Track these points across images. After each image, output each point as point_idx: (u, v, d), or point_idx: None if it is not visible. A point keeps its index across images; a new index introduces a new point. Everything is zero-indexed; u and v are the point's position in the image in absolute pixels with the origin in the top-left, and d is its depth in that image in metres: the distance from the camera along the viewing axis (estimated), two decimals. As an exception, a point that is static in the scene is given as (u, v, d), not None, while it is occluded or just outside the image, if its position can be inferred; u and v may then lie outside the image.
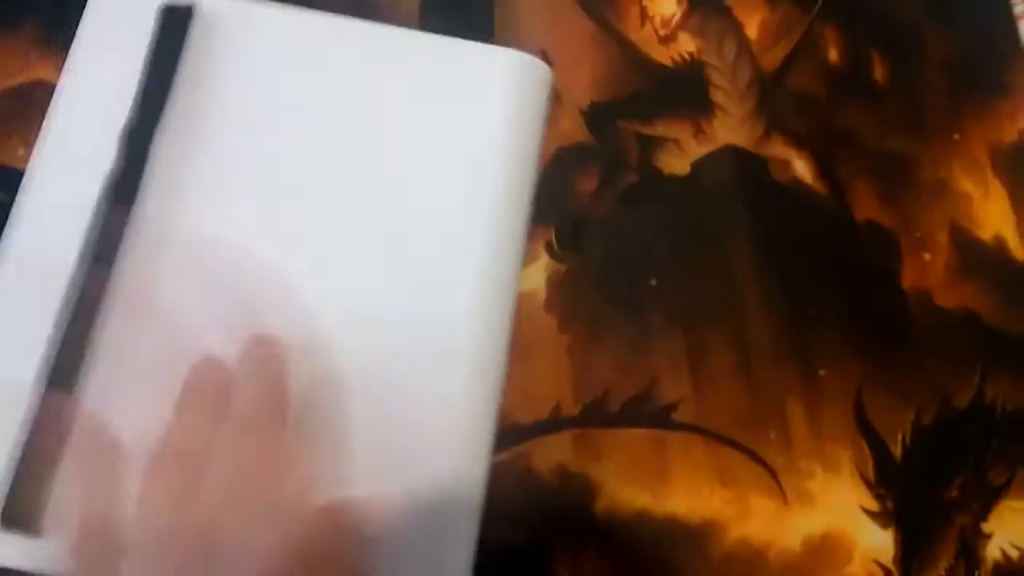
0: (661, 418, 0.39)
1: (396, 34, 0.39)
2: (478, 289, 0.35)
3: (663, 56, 0.46)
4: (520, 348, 0.35)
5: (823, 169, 0.44)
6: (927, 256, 0.43)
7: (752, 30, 0.47)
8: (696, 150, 0.44)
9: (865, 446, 0.39)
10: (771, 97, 0.45)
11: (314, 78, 0.38)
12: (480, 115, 0.38)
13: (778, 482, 0.38)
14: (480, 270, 0.35)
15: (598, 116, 0.44)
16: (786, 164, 0.44)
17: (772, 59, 0.47)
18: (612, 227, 0.39)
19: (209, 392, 0.31)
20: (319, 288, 0.35)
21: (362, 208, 0.37)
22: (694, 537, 0.37)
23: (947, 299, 0.43)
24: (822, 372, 0.40)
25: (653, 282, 0.41)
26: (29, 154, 0.37)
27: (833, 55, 0.47)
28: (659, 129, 0.44)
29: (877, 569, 0.38)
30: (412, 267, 0.36)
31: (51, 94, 0.38)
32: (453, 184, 0.37)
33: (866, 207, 0.44)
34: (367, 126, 0.38)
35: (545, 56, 0.43)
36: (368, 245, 0.36)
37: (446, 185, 0.37)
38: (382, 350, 0.34)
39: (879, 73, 0.47)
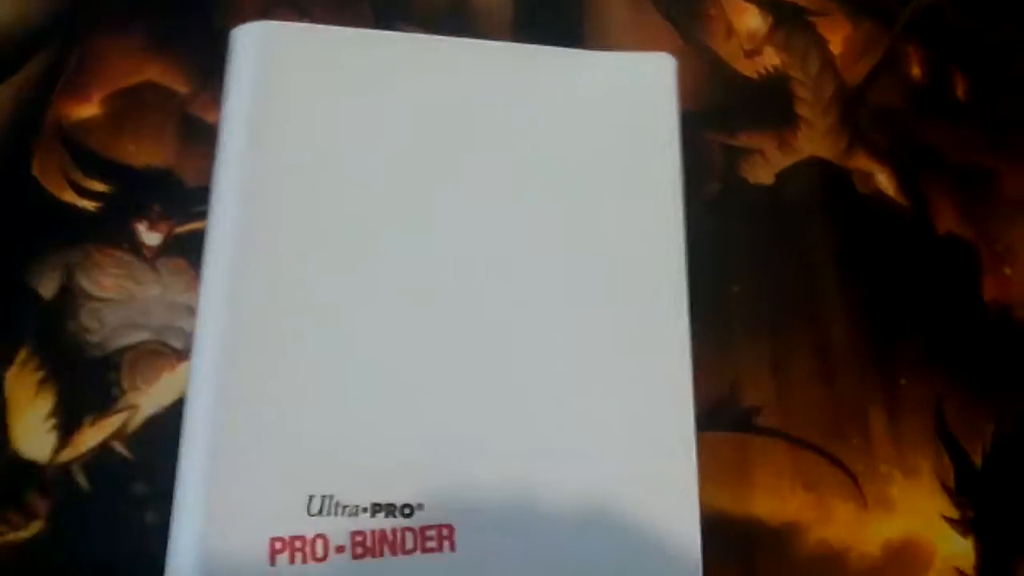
0: (744, 422, 0.40)
1: (512, 49, 0.40)
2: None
3: (748, 69, 0.47)
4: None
5: (905, 182, 0.45)
6: (1008, 271, 0.44)
7: (836, 45, 0.48)
8: (781, 161, 0.45)
9: (946, 454, 0.40)
10: (854, 111, 0.46)
11: (430, 101, 0.39)
12: (650, 124, 0.39)
13: (859, 487, 0.39)
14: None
15: (684, 126, 0.44)
16: (869, 176, 0.45)
17: (855, 74, 0.47)
18: (696, 235, 0.40)
19: None
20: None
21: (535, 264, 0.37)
22: (774, 538, 0.38)
23: (1028, 314, 0.43)
24: (903, 381, 0.41)
25: (736, 289, 0.42)
26: (138, 150, 0.39)
27: (916, 71, 0.48)
28: (744, 140, 0.45)
29: (958, 576, 0.38)
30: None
31: (160, 94, 0.40)
32: (643, 208, 0.38)
33: (947, 220, 0.45)
34: (511, 157, 0.38)
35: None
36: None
37: (633, 210, 0.38)
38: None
39: (961, 90, 0.47)
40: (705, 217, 0.42)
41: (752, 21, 0.48)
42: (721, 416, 0.39)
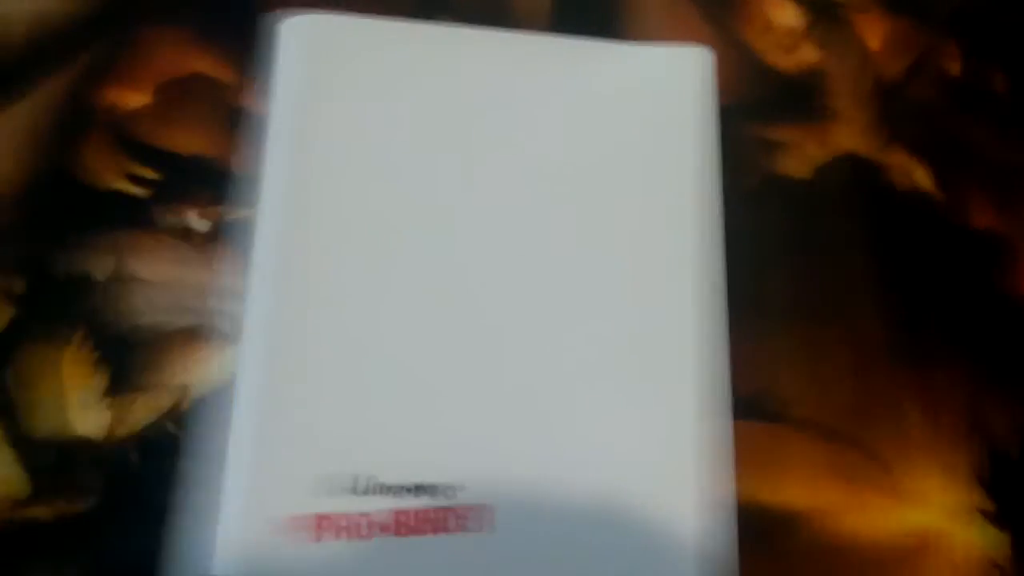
0: (778, 413, 0.40)
1: (553, 42, 0.41)
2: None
3: (786, 64, 0.47)
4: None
5: (942, 178, 0.45)
6: (1044, 267, 0.44)
7: (874, 42, 0.48)
8: (818, 156, 0.45)
9: (980, 447, 0.40)
10: (892, 107, 0.46)
11: (472, 92, 0.39)
12: (687, 117, 0.39)
13: (893, 479, 0.39)
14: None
15: (721, 121, 0.45)
16: (906, 172, 0.45)
17: (893, 70, 0.48)
18: (732, 228, 0.41)
19: None
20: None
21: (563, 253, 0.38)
22: (808, 527, 0.38)
23: (1063, 310, 0.43)
24: (937, 374, 0.41)
25: (772, 282, 0.42)
26: (185, 140, 0.40)
27: (954, 68, 0.48)
28: (782, 134, 0.45)
29: (992, 568, 0.38)
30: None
31: (208, 85, 0.41)
32: (680, 202, 0.38)
33: (984, 217, 0.45)
34: (550, 151, 0.39)
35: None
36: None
37: (671, 205, 0.38)
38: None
39: (1000, 87, 0.47)
40: (742, 211, 0.42)
41: (790, 17, 0.48)
42: (756, 407, 0.40)
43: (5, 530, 0.34)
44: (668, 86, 0.41)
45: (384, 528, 0.33)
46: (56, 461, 0.35)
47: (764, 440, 0.40)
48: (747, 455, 0.39)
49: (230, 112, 0.41)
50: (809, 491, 0.39)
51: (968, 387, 0.41)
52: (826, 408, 0.40)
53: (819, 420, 0.40)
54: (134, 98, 0.42)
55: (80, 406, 0.36)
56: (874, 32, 0.48)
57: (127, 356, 0.37)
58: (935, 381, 0.41)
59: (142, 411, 0.36)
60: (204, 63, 0.43)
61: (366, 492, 0.33)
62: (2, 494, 0.34)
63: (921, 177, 0.45)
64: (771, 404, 0.40)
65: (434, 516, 0.33)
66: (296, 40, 0.39)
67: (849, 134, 0.46)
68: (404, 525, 0.33)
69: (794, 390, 0.40)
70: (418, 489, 0.33)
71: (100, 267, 0.38)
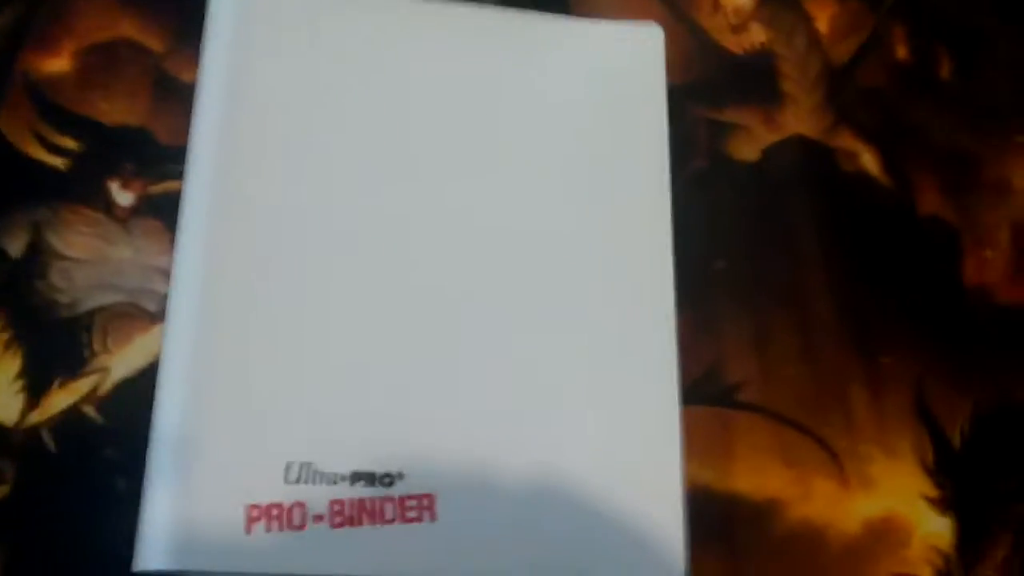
0: (726, 397, 0.39)
1: (500, 15, 0.39)
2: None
3: (734, 45, 0.46)
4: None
5: (889, 162, 0.45)
6: (988, 253, 0.44)
7: (822, 24, 0.47)
8: (766, 137, 0.44)
9: (926, 434, 0.40)
10: (840, 90, 0.46)
11: (415, 65, 0.38)
12: (637, 95, 0.38)
13: (840, 465, 0.39)
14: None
15: (669, 100, 0.44)
16: (853, 155, 0.45)
17: (841, 53, 0.47)
18: (681, 210, 0.40)
19: None
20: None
21: (514, 233, 0.36)
22: (756, 514, 0.38)
23: (1008, 296, 0.43)
24: (884, 360, 0.41)
25: (720, 265, 0.41)
26: (109, 108, 0.37)
27: (901, 51, 0.48)
28: (730, 116, 0.44)
29: (935, 555, 0.38)
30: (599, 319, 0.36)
31: (134, 51, 0.39)
32: (630, 181, 0.37)
33: (930, 202, 0.45)
34: (497, 124, 0.38)
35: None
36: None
37: (621, 183, 0.37)
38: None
39: (946, 71, 0.47)
40: (690, 193, 0.41)
41: (739, -4, 0.47)
42: (704, 391, 0.39)
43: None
44: (618, 63, 0.40)
45: (318, 518, 0.31)
46: (-36, 449, 0.33)
47: (711, 425, 0.39)
48: (694, 440, 0.38)
49: (158, 80, 0.39)
50: (757, 478, 0.38)
51: (915, 374, 0.41)
52: (774, 393, 0.40)
53: (767, 405, 0.39)
54: (55, 63, 0.39)
55: (-9, 390, 0.33)
56: (823, 14, 0.48)
57: (43, 336, 0.34)
58: (883, 367, 0.41)
59: (59, 396, 0.34)
60: (131, 28, 0.41)
61: (299, 480, 0.31)
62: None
63: (868, 161, 0.45)
64: (718, 388, 0.39)
65: (371, 506, 0.31)
66: (228, 5, 0.37)
67: (797, 116, 0.45)
68: (339, 515, 0.31)
69: (742, 374, 0.40)
70: (355, 477, 0.32)
71: (14, 241, 0.35)
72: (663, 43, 0.41)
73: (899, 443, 0.40)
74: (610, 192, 0.38)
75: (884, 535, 0.38)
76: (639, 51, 0.41)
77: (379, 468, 0.32)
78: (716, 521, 0.37)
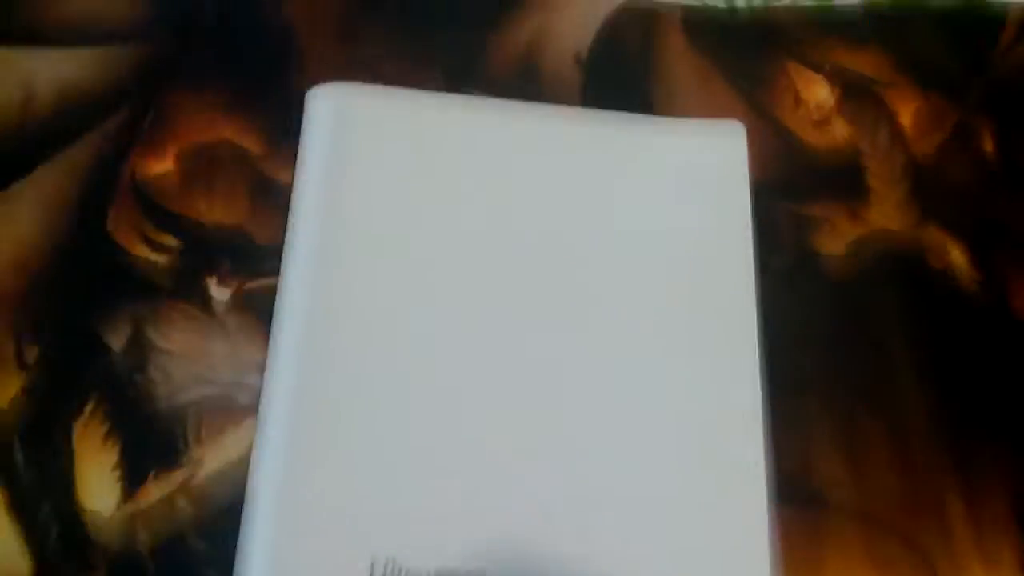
0: (815, 500, 0.38)
1: (588, 117, 0.40)
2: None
3: (817, 140, 0.46)
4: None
5: (978, 259, 0.44)
6: (1087, 354, 0.43)
7: (906, 118, 0.47)
8: (851, 232, 0.44)
9: (1026, 540, 0.38)
10: (925, 184, 0.46)
11: (508, 171, 0.39)
12: (722, 192, 0.38)
13: (933, 570, 0.38)
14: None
15: (753, 197, 0.44)
16: (941, 251, 0.44)
17: (925, 147, 0.47)
18: (767, 306, 0.39)
19: None
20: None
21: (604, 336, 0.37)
22: (847, 621, 0.37)
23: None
24: (980, 462, 0.40)
25: (808, 363, 0.41)
26: (209, 208, 0.39)
27: (988, 146, 0.47)
28: (815, 211, 0.44)
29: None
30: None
31: (234, 153, 0.40)
32: (716, 278, 0.38)
33: (1023, 300, 0.43)
34: (586, 225, 0.38)
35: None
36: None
37: (707, 281, 0.38)
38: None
39: (1035, 165, 0.47)
40: (776, 288, 0.41)
41: (820, 92, 0.47)
42: (793, 492, 0.38)
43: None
44: (702, 161, 0.40)
45: (402, 616, 0.31)
46: (61, 539, 0.33)
47: (801, 526, 0.38)
48: (784, 541, 0.37)
49: (255, 181, 0.41)
50: (847, 583, 0.37)
51: (1012, 477, 0.39)
52: (865, 494, 0.39)
53: (858, 506, 0.38)
54: (159, 164, 0.41)
55: (89, 480, 0.34)
56: (906, 109, 0.47)
57: (140, 428, 0.35)
58: (978, 470, 0.39)
59: (154, 487, 0.35)
60: (231, 130, 0.43)
61: (385, 576, 0.31)
62: (3, 570, 0.33)
63: (957, 257, 0.44)
64: (809, 489, 0.38)
65: (456, 606, 0.31)
66: (325, 110, 0.39)
67: (882, 212, 0.45)
68: (424, 614, 0.31)
69: (832, 475, 0.39)
70: (439, 574, 0.32)
71: (116, 335, 0.37)
72: (745, 139, 0.41)
73: (1000, 551, 0.38)
74: (697, 290, 0.38)
75: (984, 647, 0.36)
76: (722, 148, 0.41)
77: (463, 565, 0.32)
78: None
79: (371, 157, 0.38)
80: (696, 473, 0.34)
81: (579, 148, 0.39)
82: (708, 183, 0.39)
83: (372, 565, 0.31)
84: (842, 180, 0.45)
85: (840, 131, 0.46)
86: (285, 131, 0.41)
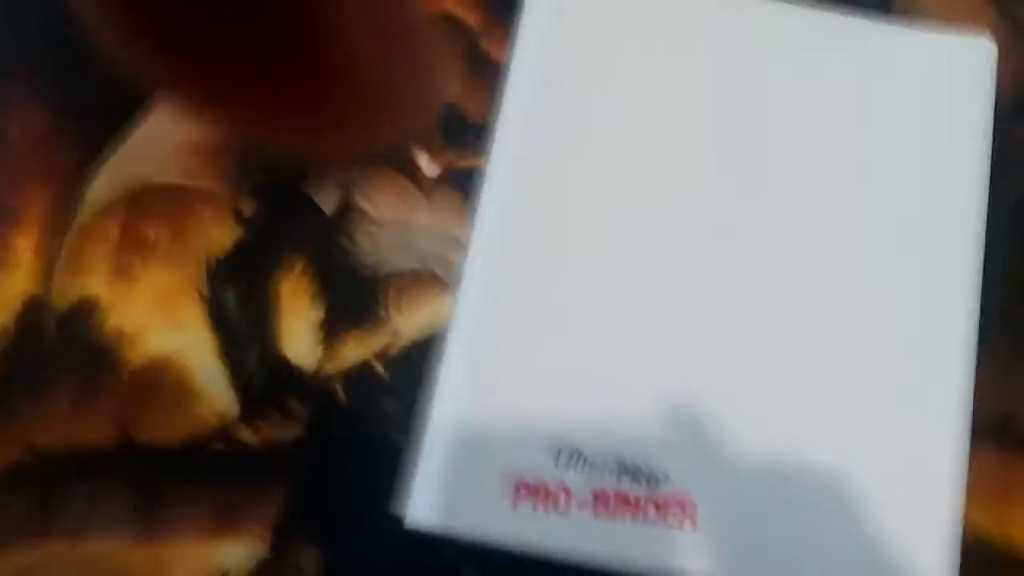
0: (1019, 442, 0.36)
1: (822, 16, 0.38)
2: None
3: (1074, 61, 0.42)
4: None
5: None
6: None
7: None
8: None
9: None
10: None
11: (731, 62, 0.37)
12: (960, 112, 0.36)
13: None
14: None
15: (995, 120, 0.41)
16: None
17: None
18: (999, 237, 0.37)
19: None
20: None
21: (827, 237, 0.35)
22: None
23: None
24: None
25: (1030, 304, 0.38)
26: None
27: None
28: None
29: None
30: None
31: (452, 27, 0.40)
32: (941, 199, 0.36)
33: None
34: (809, 128, 0.36)
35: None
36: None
37: (928, 204, 0.35)
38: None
39: None
40: (1010, 218, 0.38)
41: (1087, 6, 0.43)
42: (995, 433, 0.36)
43: (214, 446, 0.34)
44: (944, 77, 0.37)
45: (581, 505, 0.31)
46: (265, 386, 0.35)
47: (998, 470, 0.36)
48: (979, 483, 0.35)
49: (472, 57, 0.40)
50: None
51: None
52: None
53: (1065, 461, 0.36)
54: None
55: (293, 336, 0.36)
56: None
57: (345, 292, 0.36)
58: None
59: (354, 349, 0.36)
60: (452, 2, 0.42)
61: (568, 464, 0.32)
62: (212, 409, 0.35)
63: None
64: (1013, 432, 0.36)
65: (634, 502, 0.31)
66: (547, -10, 0.38)
67: None
68: (602, 505, 0.31)
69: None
70: (621, 471, 0.32)
71: (329, 199, 0.38)
72: (994, 60, 0.38)
73: None
74: (918, 211, 0.35)
75: None
76: (966, 66, 0.38)
77: (645, 466, 0.32)
78: (991, 571, 0.34)
79: (592, 41, 0.37)
80: (895, 393, 0.33)
81: (815, 52, 0.37)
82: (948, 102, 0.37)
83: (557, 452, 0.32)
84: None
85: (1102, 53, 0.42)
86: (506, 7, 0.40)
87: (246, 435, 0.35)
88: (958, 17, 0.41)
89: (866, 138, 0.36)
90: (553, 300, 0.33)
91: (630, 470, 0.32)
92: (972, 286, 0.35)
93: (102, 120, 0.38)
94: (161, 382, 0.35)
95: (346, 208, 0.38)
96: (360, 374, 0.35)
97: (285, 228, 0.37)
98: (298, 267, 0.37)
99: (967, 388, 0.34)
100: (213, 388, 0.35)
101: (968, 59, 0.38)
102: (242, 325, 0.36)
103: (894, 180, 0.36)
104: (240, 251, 0.37)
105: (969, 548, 0.34)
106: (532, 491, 0.31)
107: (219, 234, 0.37)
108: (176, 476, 0.34)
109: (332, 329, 0.36)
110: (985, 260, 0.37)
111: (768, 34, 0.37)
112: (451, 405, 0.32)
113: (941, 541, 0.32)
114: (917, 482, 0.33)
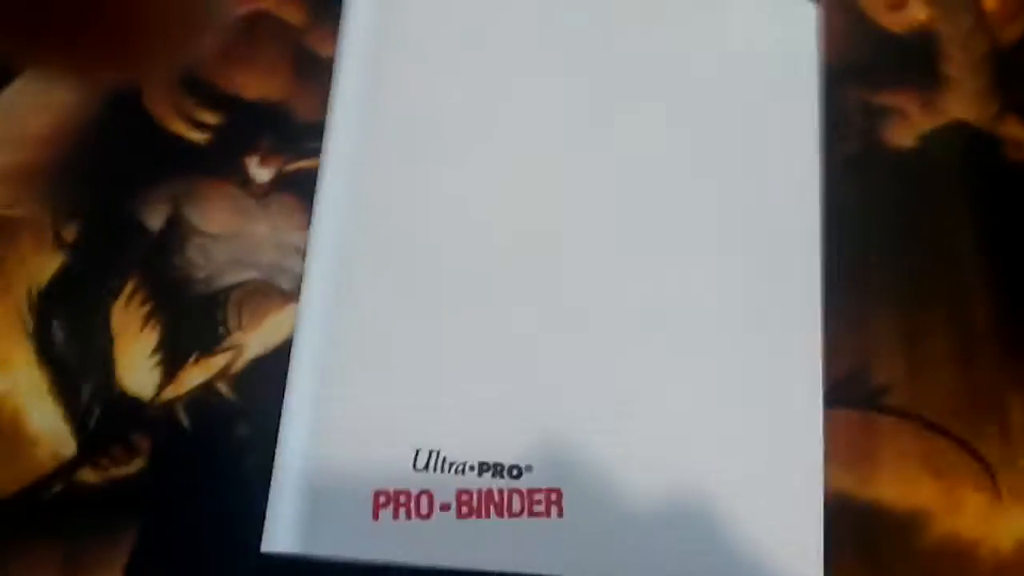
0: (872, 400, 0.37)
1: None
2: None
3: (892, 23, 0.43)
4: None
5: (1061, 152, 0.41)
6: None
7: (990, 1, 0.44)
8: (924, 123, 0.41)
9: (1093, 449, 0.37)
10: (1008, 73, 0.43)
11: (561, 39, 0.37)
12: (788, 74, 0.36)
13: (993, 477, 0.36)
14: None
15: (822, 81, 0.42)
16: (1021, 144, 0.41)
17: (1011, 33, 0.44)
18: (831, 198, 0.37)
19: None
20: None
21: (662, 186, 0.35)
22: (900, 526, 0.36)
23: None
24: (1047, 367, 0.38)
25: (872, 258, 0.39)
26: (249, 83, 0.37)
27: (1079, 31, 0.44)
28: (886, 99, 0.42)
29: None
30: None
31: (275, 25, 0.38)
32: (778, 164, 0.36)
33: (1105, 196, 0.41)
34: (640, 100, 0.36)
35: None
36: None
37: (768, 166, 0.36)
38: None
39: None
40: (841, 179, 0.39)
41: (899, -29, 0.44)
42: (849, 393, 0.37)
43: (53, 490, 0.32)
44: (769, 40, 0.38)
45: (445, 507, 0.30)
46: (103, 420, 0.33)
47: (855, 429, 0.37)
48: (836, 444, 0.36)
49: (298, 55, 0.39)
50: (903, 487, 0.36)
51: (1082, 382, 0.38)
52: (924, 398, 0.37)
53: (916, 411, 0.37)
54: (196, 37, 0.39)
55: (129, 364, 0.34)
56: (991, -10, 0.44)
57: (180, 312, 0.35)
58: (1046, 374, 0.38)
59: (194, 372, 0.34)
60: (271, 1, 0.41)
61: (428, 468, 0.31)
62: (49, 451, 0.33)
63: (1037, 150, 0.41)
64: (864, 390, 0.37)
65: (499, 497, 0.31)
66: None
67: (959, 101, 0.42)
68: (466, 505, 0.30)
69: (890, 376, 0.37)
70: (483, 467, 0.31)
71: (154, 215, 0.36)
72: (817, 20, 0.38)
73: (1062, 457, 0.37)
74: (757, 175, 0.36)
75: (1043, 556, 0.35)
76: (791, 28, 0.38)
77: (508, 459, 0.31)
78: (857, 531, 0.35)
79: (418, 28, 0.36)
80: (748, 366, 0.33)
81: (639, 17, 0.37)
82: (774, 64, 0.37)
83: (415, 455, 0.31)
84: (917, 67, 0.43)
85: (918, 13, 0.43)
86: (328, 3, 0.38)
87: (88, 475, 0.33)
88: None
89: (696, 106, 0.36)
90: (400, 301, 0.32)
91: (492, 466, 0.31)
92: (815, 247, 0.36)
93: None
94: (-12, 427, 0.33)
95: (174, 223, 0.36)
96: (204, 397, 0.34)
97: (111, 250, 0.35)
98: (128, 290, 0.35)
99: (818, 352, 0.35)
100: (48, 428, 0.33)
101: (792, 20, 0.38)
102: (73, 358, 0.34)
103: (729, 149, 0.36)
104: (65, 279, 0.35)
105: (835, 511, 0.34)
106: (392, 499, 0.30)
107: (41, 263, 0.35)
108: (16, 529, 0.32)
109: (170, 352, 0.34)
110: (825, 221, 0.37)
111: (597, 9, 0.37)
112: (301, 421, 0.31)
113: (810, 511, 0.32)
114: (780, 452, 0.33)
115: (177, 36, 0.14)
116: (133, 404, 0.33)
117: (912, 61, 0.43)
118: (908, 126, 0.41)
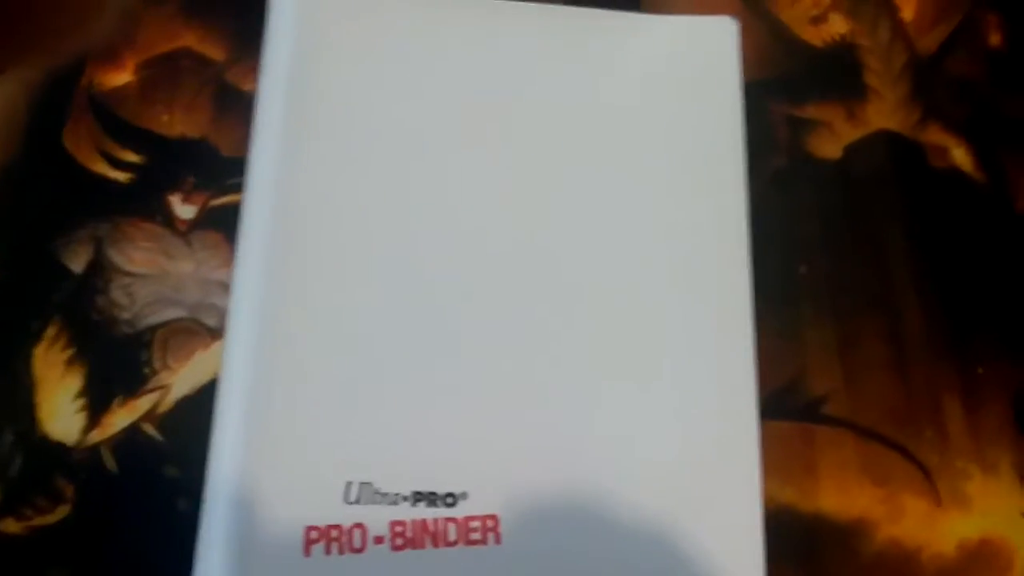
0: (809, 411, 0.37)
1: (568, 13, 0.38)
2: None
3: (814, 37, 0.44)
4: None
5: (983, 158, 0.42)
6: (1093, 253, 0.41)
7: (908, 12, 0.45)
8: (849, 134, 0.42)
9: (1027, 448, 0.37)
10: (928, 82, 0.43)
11: (482, 69, 0.37)
12: (712, 92, 0.37)
13: (932, 482, 0.36)
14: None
15: (746, 96, 0.42)
16: (944, 151, 0.42)
17: (929, 43, 0.44)
18: (759, 212, 0.38)
19: None
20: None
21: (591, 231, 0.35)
22: (842, 535, 0.36)
23: (1116, 299, 0.40)
24: (980, 369, 0.38)
25: (802, 269, 0.39)
26: (171, 120, 0.37)
27: (995, 40, 0.45)
28: (810, 112, 0.42)
29: (1042, 578, 0.35)
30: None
31: (195, 62, 0.38)
32: (705, 182, 0.36)
33: (1028, 199, 0.42)
34: (565, 126, 0.36)
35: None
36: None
37: (695, 184, 0.36)
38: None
39: (1044, 59, 0.44)
40: (769, 193, 0.39)
41: (818, -14, 0.45)
42: (785, 404, 0.37)
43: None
44: (690, 59, 0.38)
45: (378, 540, 0.30)
46: (25, 469, 0.32)
47: (793, 440, 0.37)
48: (775, 457, 0.36)
49: (219, 91, 0.39)
50: (843, 496, 0.36)
51: (1015, 383, 0.38)
52: (861, 406, 0.37)
53: (853, 419, 0.37)
54: (117, 75, 0.39)
55: (52, 408, 0.33)
56: (908, 3, 0.45)
57: (104, 353, 0.34)
58: (979, 377, 0.38)
59: (120, 414, 0.33)
60: (192, 38, 0.40)
61: (359, 501, 0.30)
62: (-30, 502, 0.32)
63: (960, 156, 0.42)
64: (801, 401, 0.37)
65: (433, 527, 0.30)
66: (289, 12, 0.36)
67: (882, 111, 0.43)
68: (400, 536, 0.30)
69: (826, 386, 0.37)
70: (416, 497, 0.31)
71: (76, 257, 0.35)
72: (737, 36, 0.39)
73: (998, 458, 0.37)
74: (684, 194, 0.36)
75: (983, 558, 0.36)
76: (713, 46, 0.39)
77: (441, 488, 0.31)
78: (798, 543, 0.35)
79: (337, 61, 0.35)
80: (682, 384, 0.33)
81: (560, 47, 0.37)
82: (697, 82, 0.37)
83: (346, 488, 0.30)
84: (840, 79, 0.43)
85: (837, 27, 0.44)
86: (248, 38, 0.38)
87: (11, 526, 0.32)
88: (704, 8, 0.43)
89: (621, 129, 0.36)
90: (325, 334, 0.32)
91: (426, 495, 0.31)
92: (744, 261, 0.36)
93: None
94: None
95: (97, 265, 0.35)
96: (130, 439, 0.33)
97: (31, 294, 0.34)
98: (50, 334, 0.34)
99: (752, 364, 0.35)
100: (-30, 479, 0.32)
101: (712, 38, 0.38)
102: (-6, 405, 0.33)
103: (656, 171, 0.36)
104: (-16, 325, 0.34)
105: (776, 523, 0.34)
106: (323, 534, 0.30)
107: (-41, 310, 0.34)
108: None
109: (95, 395, 0.33)
110: (754, 234, 0.38)
111: (518, 35, 0.37)
112: (229, 459, 0.30)
113: (750, 525, 0.32)
114: (718, 468, 0.33)
115: (65, 24, 0.14)
116: (57, 450, 0.33)
117: (834, 74, 0.43)
118: (833, 138, 0.42)
